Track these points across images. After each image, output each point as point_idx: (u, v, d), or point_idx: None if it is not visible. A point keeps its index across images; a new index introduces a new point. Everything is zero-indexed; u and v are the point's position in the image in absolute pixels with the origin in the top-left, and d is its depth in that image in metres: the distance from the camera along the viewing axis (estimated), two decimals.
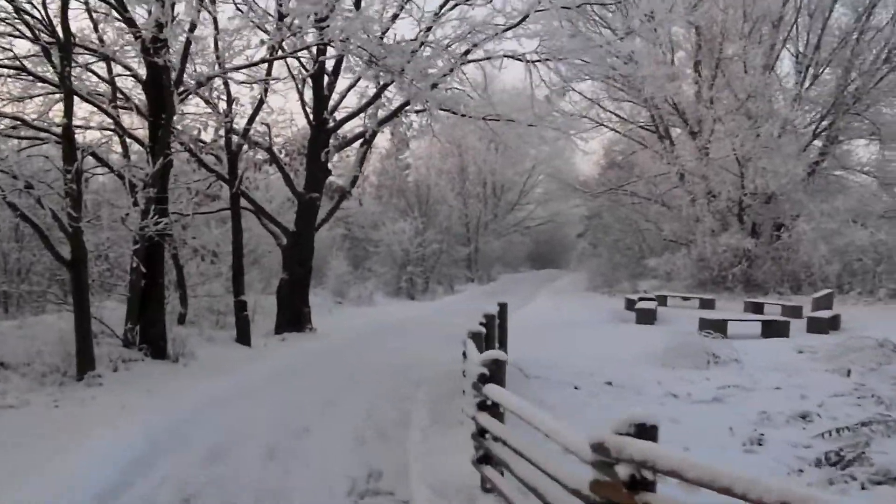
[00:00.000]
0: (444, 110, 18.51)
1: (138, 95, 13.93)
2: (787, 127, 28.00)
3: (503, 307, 14.72)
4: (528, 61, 16.61)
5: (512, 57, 16.56)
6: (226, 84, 14.97)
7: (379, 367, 13.66)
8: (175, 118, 12.91)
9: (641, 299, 24.08)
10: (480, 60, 16.68)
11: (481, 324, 10.89)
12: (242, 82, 14.19)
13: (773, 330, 19.68)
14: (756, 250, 29.75)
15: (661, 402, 11.39)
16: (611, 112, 33.82)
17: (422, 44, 15.05)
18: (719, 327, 19.30)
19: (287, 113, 21.62)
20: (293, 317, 17.58)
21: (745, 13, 28.62)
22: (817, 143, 31.62)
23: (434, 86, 14.50)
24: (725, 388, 12.38)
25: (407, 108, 17.72)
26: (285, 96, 19.39)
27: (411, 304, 29.60)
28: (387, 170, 41.63)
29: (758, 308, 25.91)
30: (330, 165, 18.30)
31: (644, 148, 35.12)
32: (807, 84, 30.05)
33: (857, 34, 29.98)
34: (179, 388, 10.62)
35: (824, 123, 29.65)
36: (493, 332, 12.02)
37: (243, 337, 15.13)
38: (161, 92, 12.37)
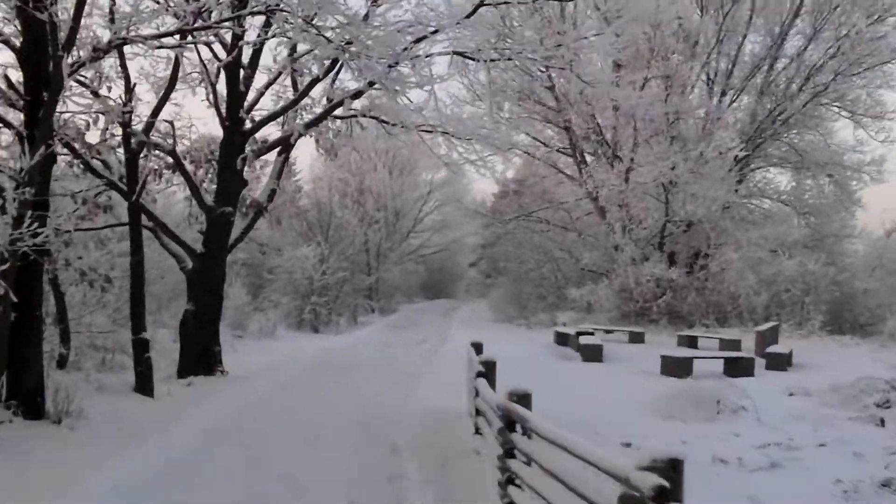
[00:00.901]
0: (372, 117, 15.77)
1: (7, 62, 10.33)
2: (720, 150, 26.40)
3: (478, 346, 11.96)
4: (485, 60, 13.93)
5: (463, 55, 13.85)
6: (123, 64, 11.57)
7: (337, 424, 10.48)
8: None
9: (579, 333, 21.63)
10: (431, 55, 13.88)
11: (482, 362, 9.32)
12: (153, 51, 10.75)
13: (737, 368, 17.49)
14: (679, 280, 27.99)
15: (715, 471, 8.80)
16: (527, 134, 31.53)
17: (366, 16, 12.21)
18: (684, 366, 17.05)
19: (186, 118, 17.78)
20: (201, 357, 14.11)
21: (675, 33, 26.98)
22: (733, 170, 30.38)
23: (393, 66, 11.51)
24: (766, 448, 10.01)
25: (338, 109, 14.73)
26: (182, 97, 15.26)
27: (317, 337, 26.22)
28: (282, 190, 38.11)
29: (692, 342, 23.95)
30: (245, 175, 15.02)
31: (557, 173, 33.10)
32: (725, 108, 28.69)
33: (769, 61, 29.04)
34: (65, 475, 6.99)
35: (742, 151, 28.21)
36: (493, 372, 9.29)
37: (144, 385, 11.58)
38: (43, 58, 8.93)
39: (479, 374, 8.74)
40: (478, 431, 8.72)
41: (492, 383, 8.80)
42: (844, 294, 29.25)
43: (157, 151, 14.14)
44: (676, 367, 16.94)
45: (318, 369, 16.13)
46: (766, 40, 29.69)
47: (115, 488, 6.65)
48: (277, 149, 15.83)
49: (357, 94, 13.90)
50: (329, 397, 12.61)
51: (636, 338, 24.57)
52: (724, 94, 29.51)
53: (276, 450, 8.83)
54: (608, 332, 25.73)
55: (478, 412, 8.75)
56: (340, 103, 14.05)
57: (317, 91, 15.20)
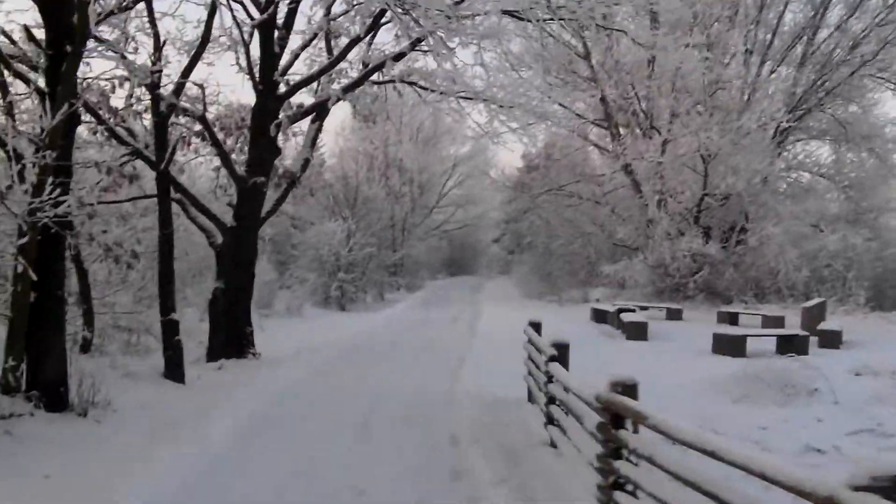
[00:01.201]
0: (410, 83, 14.84)
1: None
2: (762, 121, 25.17)
3: (536, 325, 11.00)
4: (535, 20, 12.89)
5: (512, 14, 12.79)
6: (152, 20, 10.60)
7: (385, 412, 9.59)
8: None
9: (621, 311, 20.62)
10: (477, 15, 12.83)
11: (555, 345, 8.32)
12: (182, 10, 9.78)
13: (791, 346, 16.43)
14: (716, 255, 26.88)
15: (815, 463, 7.79)
16: (560, 105, 30.33)
17: None
18: (737, 345, 16.05)
19: (214, 84, 16.85)
20: (232, 339, 13.24)
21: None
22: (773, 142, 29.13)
23: (450, 17, 10.48)
24: (858, 435, 9.01)
25: (376, 73, 13.76)
26: (211, 63, 14.10)
27: (345, 315, 25.38)
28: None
29: (733, 319, 23.00)
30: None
31: (589, 146, 31.99)
32: (766, 77, 27.33)
33: (811, 31, 27.69)
34: (93, 481, 5.95)
35: (784, 122, 26.87)
36: (566, 355, 8.37)
37: (174, 371, 10.70)
38: (67, 7, 7.97)
39: (553, 358, 7.77)
40: (551, 422, 7.75)
41: (565, 367, 7.86)
42: (888, 270, 28.08)
43: (184, 118, 13.19)
44: (729, 346, 15.97)
45: (354, 352, 15.19)
46: (807, 9, 28.34)
47: (152, 498, 5.71)
48: (311, 116, 14.84)
49: (399, 56, 12.93)
50: (371, 382, 11.68)
51: (674, 314, 23.56)
52: (762, 63, 28.21)
53: (324, 442, 7.91)
54: (644, 308, 24.72)
55: (551, 400, 7.77)
56: (381, 65, 13.09)
57: (352, 55, 14.24)
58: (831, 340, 17.75)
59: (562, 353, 8.12)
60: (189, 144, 13.82)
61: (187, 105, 12.75)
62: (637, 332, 18.29)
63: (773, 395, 10.82)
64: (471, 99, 15.19)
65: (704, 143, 25.03)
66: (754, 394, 10.92)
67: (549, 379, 7.83)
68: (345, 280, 27.12)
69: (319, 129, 15.31)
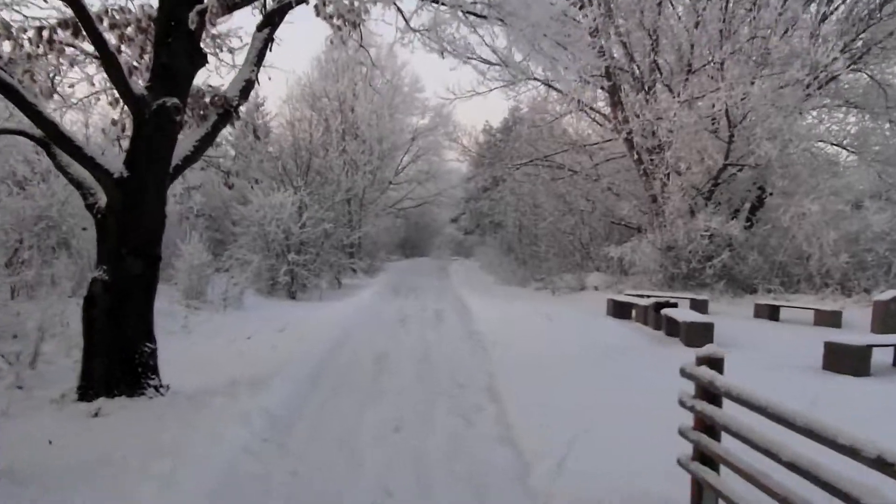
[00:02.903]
0: None
1: None
2: (821, 73, 20.20)
3: (715, 363, 5.56)
4: None
5: None
6: None
7: None
8: None
9: (660, 305, 15.49)
10: None
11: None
12: None
13: None
14: (739, 236, 22.02)
15: None
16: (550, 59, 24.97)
17: None
18: (862, 359, 11.07)
19: None
20: (120, 361, 7.67)
21: None
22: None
23: None
24: None
25: None
26: None
27: (297, 306, 19.77)
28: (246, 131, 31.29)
29: (773, 313, 18.23)
30: (204, 47, 8.44)
31: (577, 110, 26.72)
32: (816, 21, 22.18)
33: None
34: None
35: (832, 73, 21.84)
36: None
37: None
38: None
39: None
40: None
41: None
42: None
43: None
44: (850, 360, 10.99)
45: (323, 379, 9.48)
46: None
47: None
48: (256, 10, 9.24)
49: None
50: (381, 467, 6.14)
51: (699, 307, 18.53)
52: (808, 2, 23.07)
53: None
54: (663, 299, 19.75)
55: None
56: None
57: None
58: None
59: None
60: (52, 47, 8.11)
61: None
62: (698, 335, 13.14)
63: None
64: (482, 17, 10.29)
65: (736, 99, 19.99)
66: None
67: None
68: (296, 262, 21.49)
69: (269, 41, 9.67)
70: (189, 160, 8.61)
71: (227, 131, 34.85)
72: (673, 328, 14.21)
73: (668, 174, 22.84)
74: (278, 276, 21.17)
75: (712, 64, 21.00)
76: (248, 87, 9.22)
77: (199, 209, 25.86)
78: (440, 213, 55.41)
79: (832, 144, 25.49)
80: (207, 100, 8.98)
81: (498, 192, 37.80)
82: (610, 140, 25.92)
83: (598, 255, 25.10)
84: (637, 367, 10.45)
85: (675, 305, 15.37)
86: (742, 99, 20.21)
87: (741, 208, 24.92)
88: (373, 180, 33.63)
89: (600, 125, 26.72)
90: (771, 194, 23.90)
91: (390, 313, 16.86)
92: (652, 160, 23.11)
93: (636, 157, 23.86)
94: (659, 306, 15.34)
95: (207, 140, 8.83)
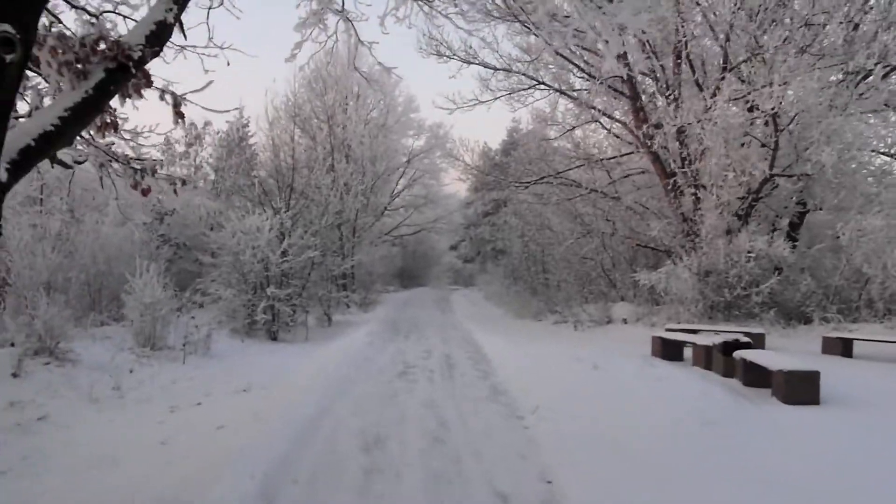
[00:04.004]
0: None
1: None
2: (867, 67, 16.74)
3: None
4: None
5: None
6: None
7: None
8: None
9: (730, 345, 11.86)
10: None
11: None
12: None
13: None
14: (789, 258, 18.50)
15: None
16: (575, 65, 21.59)
17: None
18: None
19: None
20: None
21: None
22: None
23: None
24: None
25: None
26: None
27: (278, 350, 16.15)
28: (229, 154, 27.93)
29: (846, 348, 14.78)
30: None
31: (594, 123, 23.25)
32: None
33: None
34: None
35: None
36: None
37: None
38: None
39: None
40: None
41: None
42: None
43: None
44: None
45: (284, 495, 5.74)
46: None
47: None
48: None
49: None
50: None
51: (755, 343, 14.90)
52: None
53: None
54: (716, 332, 16.23)
55: None
56: None
57: None
58: None
59: None
60: None
61: None
62: (801, 387, 9.53)
63: None
64: None
65: (787, 98, 16.54)
66: None
67: None
68: (277, 297, 17.85)
69: None
70: (52, 140, 5.01)
71: (207, 151, 31.44)
72: (754, 376, 10.63)
73: (700, 188, 19.41)
74: (256, 314, 17.52)
75: (757, 57, 17.57)
76: (160, 32, 5.65)
77: (166, 236, 22.38)
78: (439, 240, 51.94)
79: (881, 154, 22.05)
80: (90, 42, 5.42)
81: (500, 216, 34.44)
82: (631, 153, 22.48)
83: (623, 282, 21.56)
84: (757, 450, 6.87)
85: (748, 345, 11.76)
86: (794, 99, 16.78)
87: (778, 226, 21.52)
88: (366, 204, 30.03)
89: (617, 137, 23.29)
90: (820, 209, 20.46)
91: (387, 362, 13.18)
92: (685, 172, 19.64)
93: (663, 170, 20.47)
94: (728, 347, 11.73)
95: (86, 109, 5.22)
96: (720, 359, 11.85)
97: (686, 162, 19.65)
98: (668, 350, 14.00)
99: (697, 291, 18.56)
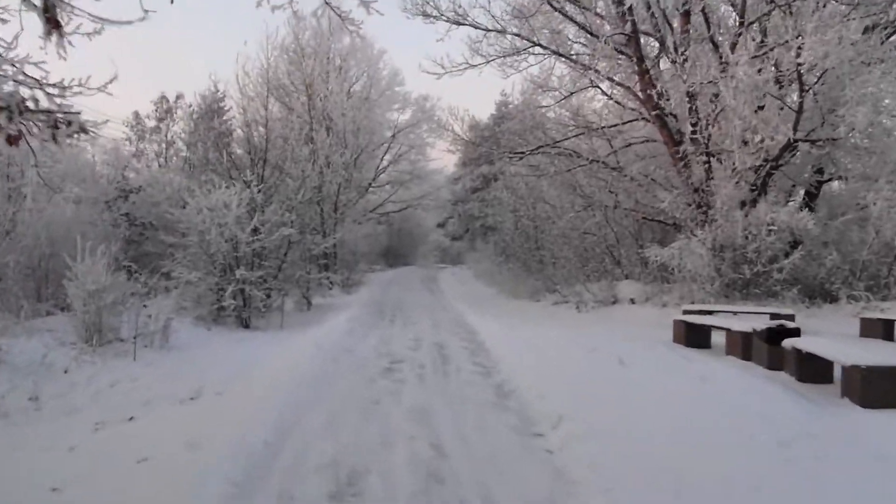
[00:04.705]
0: None
1: None
2: None
3: None
4: None
5: None
6: None
7: None
8: None
9: (775, 331, 9.91)
10: None
11: None
12: None
13: None
14: (813, 230, 16.61)
15: None
16: (575, 23, 19.45)
17: None
18: None
19: None
20: None
21: None
22: None
23: None
24: None
25: None
26: None
27: (249, 340, 14.14)
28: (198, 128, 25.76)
29: (887, 330, 13.02)
30: None
31: (597, 86, 21.13)
32: None
33: None
34: None
35: None
36: None
37: None
38: None
39: None
40: None
41: None
42: None
43: None
44: None
45: None
46: None
47: None
48: None
49: None
50: None
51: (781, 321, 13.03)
52: None
53: None
54: (734, 313, 14.41)
55: None
56: None
57: None
58: None
59: None
60: None
61: None
62: (884, 388, 7.61)
63: None
64: None
65: (816, 53, 14.49)
66: None
67: None
68: (248, 280, 15.80)
69: None
70: None
71: (179, 126, 29.22)
72: (812, 370, 8.73)
73: (713, 156, 17.48)
74: (223, 300, 15.47)
75: (781, 8, 15.53)
76: None
77: (132, 215, 20.32)
78: (426, 217, 49.85)
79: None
80: None
81: (490, 191, 32.42)
82: (635, 120, 20.46)
83: (629, 258, 19.63)
84: (861, 480, 4.96)
85: (795, 332, 9.84)
86: (822, 55, 14.73)
87: (792, 197, 19.74)
88: (348, 179, 27.85)
89: (619, 104, 21.23)
90: (842, 178, 18.62)
91: (370, 354, 11.15)
92: (695, 139, 17.64)
93: (671, 137, 18.47)
94: (774, 334, 9.79)
95: None
96: (763, 348, 9.93)
97: (697, 127, 17.66)
98: (694, 336, 12.07)
99: (713, 268, 16.65)
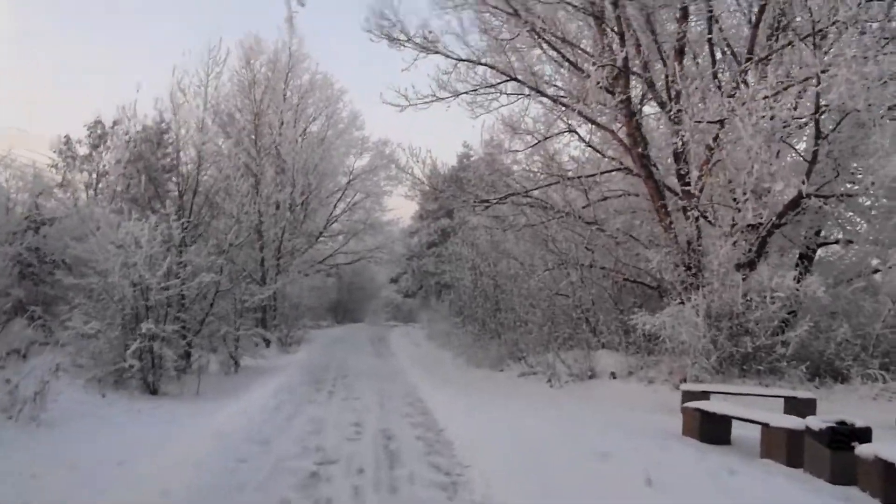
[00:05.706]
0: None
1: None
2: None
3: None
4: None
5: None
6: None
7: None
8: None
9: (837, 432, 7.31)
10: None
11: None
12: None
13: None
14: (823, 299, 14.19)
15: None
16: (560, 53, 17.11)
17: None
18: None
19: None
20: None
21: None
22: None
23: None
24: None
25: None
26: None
27: (146, 414, 11.06)
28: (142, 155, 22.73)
29: None
30: None
31: (574, 130, 18.76)
32: None
33: None
34: None
35: None
36: None
37: None
38: None
39: None
40: None
41: None
42: None
43: None
44: None
45: None
46: None
47: None
48: None
49: None
50: None
51: (801, 409, 10.46)
52: None
53: None
54: (736, 395, 11.86)
55: None
56: None
57: None
58: None
59: None
60: None
61: None
62: None
63: None
64: None
65: (841, 90, 12.23)
66: None
67: None
68: (157, 335, 12.71)
69: None
70: None
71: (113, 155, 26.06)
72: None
73: (709, 210, 15.14)
74: (124, 360, 12.35)
75: (809, 40, 13.29)
76: None
77: (42, 251, 17.28)
78: (378, 271, 46.95)
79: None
80: None
81: (448, 246, 29.73)
82: (615, 170, 18.11)
83: (607, 325, 17.03)
84: None
85: (866, 433, 7.23)
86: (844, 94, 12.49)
87: (784, 259, 17.43)
88: (295, 223, 24.88)
89: (598, 151, 18.91)
90: (850, 242, 16.44)
91: (292, 450, 8.09)
92: (686, 190, 15.23)
93: (656, 189, 16.10)
94: (838, 435, 7.16)
95: None
96: (824, 455, 7.27)
97: (689, 178, 15.30)
98: (711, 428, 9.38)
99: (709, 340, 14.10)
